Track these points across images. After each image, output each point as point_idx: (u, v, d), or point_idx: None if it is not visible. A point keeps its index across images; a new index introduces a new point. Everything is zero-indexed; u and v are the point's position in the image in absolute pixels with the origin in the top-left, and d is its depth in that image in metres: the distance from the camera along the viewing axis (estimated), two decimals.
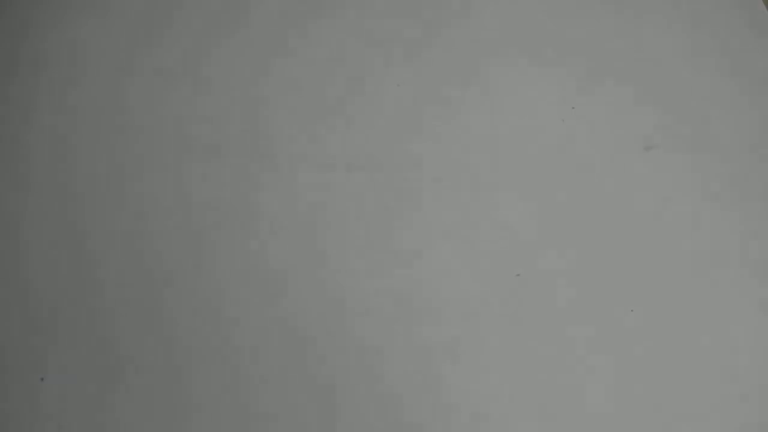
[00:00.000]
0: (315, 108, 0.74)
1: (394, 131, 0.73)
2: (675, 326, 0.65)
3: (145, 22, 0.78)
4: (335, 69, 0.76)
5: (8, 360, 0.63)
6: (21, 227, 0.68)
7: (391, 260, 0.67)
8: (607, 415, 0.62)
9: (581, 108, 0.75)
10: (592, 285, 0.67)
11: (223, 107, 0.74)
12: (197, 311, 0.65)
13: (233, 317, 0.65)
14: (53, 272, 0.66)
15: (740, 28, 0.80)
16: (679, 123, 0.74)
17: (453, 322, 0.65)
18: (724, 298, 0.67)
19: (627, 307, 0.66)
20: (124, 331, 0.64)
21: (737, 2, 0.81)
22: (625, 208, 0.70)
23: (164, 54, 0.76)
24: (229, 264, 0.67)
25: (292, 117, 0.74)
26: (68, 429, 0.61)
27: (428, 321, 0.65)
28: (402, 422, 0.62)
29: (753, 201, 0.71)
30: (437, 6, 0.80)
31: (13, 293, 0.65)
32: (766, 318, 0.66)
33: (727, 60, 0.78)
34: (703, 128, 0.74)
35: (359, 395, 0.63)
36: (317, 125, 0.73)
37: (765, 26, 0.80)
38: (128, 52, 0.77)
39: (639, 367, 0.64)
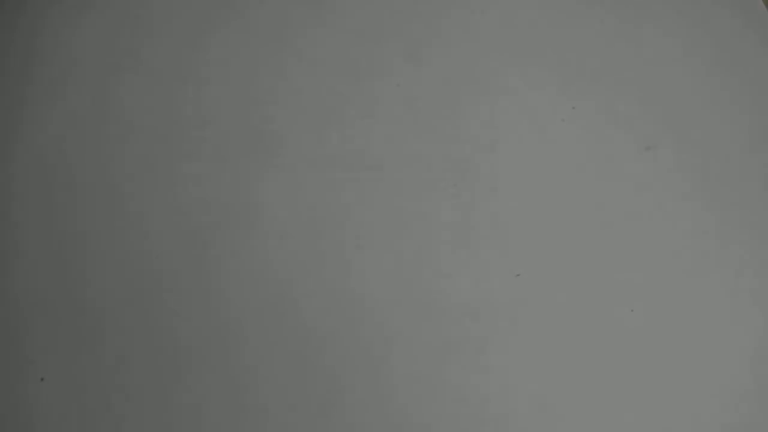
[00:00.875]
0: (314, 108, 0.74)
1: (393, 131, 0.73)
2: (675, 326, 0.65)
3: (143, 20, 0.78)
4: (335, 69, 0.76)
5: (8, 360, 0.63)
6: (18, 227, 0.68)
7: (391, 260, 0.67)
8: (607, 415, 0.62)
9: (581, 108, 0.75)
10: (592, 285, 0.67)
11: (223, 107, 0.74)
12: (198, 312, 0.65)
13: (234, 317, 0.65)
14: (53, 272, 0.66)
15: (740, 28, 0.80)
16: (679, 123, 0.74)
17: (453, 322, 0.65)
18: (724, 297, 0.67)
19: (627, 307, 0.66)
20: (125, 331, 0.64)
21: (737, 2, 0.81)
22: (625, 207, 0.70)
23: (163, 53, 0.76)
24: (229, 264, 0.67)
25: (291, 117, 0.74)
26: (68, 429, 0.61)
27: (428, 321, 0.65)
28: (401, 422, 0.62)
29: (753, 201, 0.71)
30: (437, 6, 0.80)
31: (13, 293, 0.65)
32: (766, 318, 0.66)
33: (727, 60, 0.78)
34: (702, 128, 0.74)
35: (359, 395, 0.63)
36: (316, 125, 0.73)
37: (765, 26, 0.80)
38: (128, 50, 0.76)
39: (639, 367, 0.64)
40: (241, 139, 0.72)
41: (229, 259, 0.67)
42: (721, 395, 0.63)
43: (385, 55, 0.77)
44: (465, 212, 0.70)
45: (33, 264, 0.66)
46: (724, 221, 0.70)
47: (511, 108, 0.75)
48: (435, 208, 0.70)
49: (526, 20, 0.80)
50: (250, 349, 0.64)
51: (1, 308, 0.65)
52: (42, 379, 0.62)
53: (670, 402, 0.63)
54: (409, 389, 0.63)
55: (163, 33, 0.78)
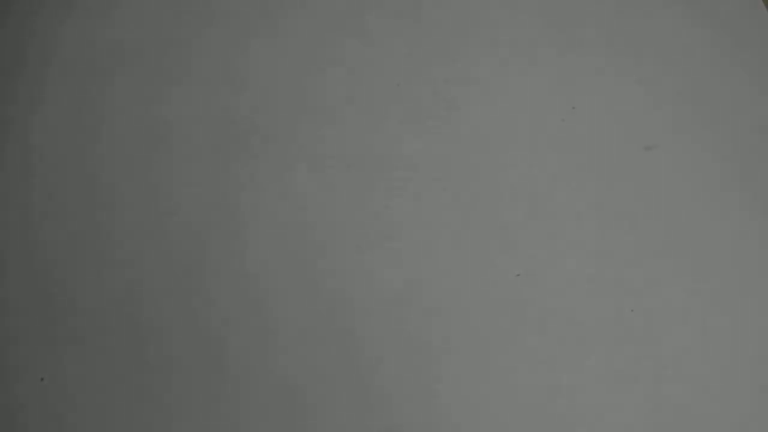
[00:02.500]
0: (314, 107, 0.74)
1: (393, 131, 0.73)
2: (675, 326, 0.65)
3: (146, 21, 0.78)
4: (335, 69, 0.76)
5: (8, 360, 0.63)
6: (23, 226, 0.68)
7: (390, 260, 0.67)
8: (607, 416, 0.62)
9: (581, 108, 0.75)
10: (591, 285, 0.67)
11: (221, 107, 0.74)
12: (192, 312, 0.65)
13: (227, 317, 0.65)
14: (54, 271, 0.66)
15: (740, 28, 0.80)
16: (679, 123, 0.74)
17: (453, 322, 0.65)
18: (724, 297, 0.67)
19: (627, 307, 0.66)
20: (124, 331, 0.64)
21: (737, 2, 0.81)
22: (625, 208, 0.70)
23: (166, 53, 0.76)
24: (227, 264, 0.67)
25: (291, 117, 0.74)
26: (68, 429, 0.61)
27: (427, 321, 0.65)
28: (401, 422, 0.62)
29: (753, 201, 0.71)
30: (437, 5, 0.80)
31: (14, 293, 0.65)
32: (765, 318, 0.66)
33: (726, 60, 0.78)
34: (703, 128, 0.74)
35: (358, 395, 0.63)
36: (316, 124, 0.73)
37: (765, 26, 0.80)
38: (128, 50, 0.76)
39: (639, 367, 0.64)
40: (239, 139, 0.72)
41: (227, 260, 0.67)
42: (721, 395, 0.63)
43: (384, 54, 0.77)
44: (465, 212, 0.70)
45: (32, 264, 0.66)
46: (724, 221, 0.70)
47: (511, 108, 0.75)
48: (435, 208, 0.70)
49: (525, 20, 0.80)
50: (250, 349, 0.64)
51: (1, 308, 0.65)
52: (42, 379, 0.62)
53: (670, 402, 0.63)
54: (408, 390, 0.63)
55: (164, 33, 0.78)
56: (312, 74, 0.76)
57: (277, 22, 0.79)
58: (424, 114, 0.74)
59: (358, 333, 0.65)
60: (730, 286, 0.67)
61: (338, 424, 0.62)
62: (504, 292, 0.66)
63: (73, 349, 0.63)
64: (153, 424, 0.61)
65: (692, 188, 0.71)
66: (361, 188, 0.70)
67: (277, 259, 0.67)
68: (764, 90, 0.76)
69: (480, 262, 0.68)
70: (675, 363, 0.64)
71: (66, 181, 0.70)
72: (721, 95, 0.76)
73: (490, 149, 0.73)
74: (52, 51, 0.76)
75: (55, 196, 0.69)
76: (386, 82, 0.76)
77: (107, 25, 0.78)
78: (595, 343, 0.65)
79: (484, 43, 0.78)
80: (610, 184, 0.71)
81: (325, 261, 0.67)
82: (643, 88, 0.76)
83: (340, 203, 0.70)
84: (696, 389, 0.63)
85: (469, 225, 0.69)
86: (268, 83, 0.75)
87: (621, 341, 0.65)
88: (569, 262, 0.68)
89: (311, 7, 0.80)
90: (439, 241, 0.68)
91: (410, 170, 0.71)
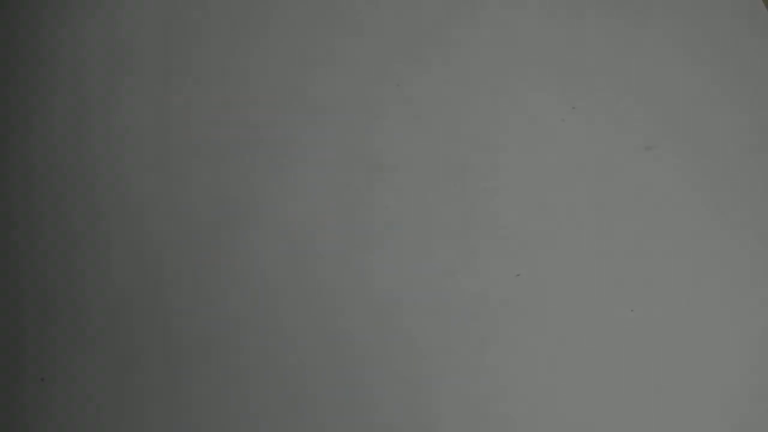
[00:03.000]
0: (314, 108, 0.74)
1: (394, 131, 0.73)
2: (675, 326, 0.65)
3: (147, 21, 0.78)
4: (335, 70, 0.76)
5: (8, 360, 0.63)
6: (21, 227, 0.68)
7: (391, 260, 0.67)
8: (607, 415, 0.62)
9: (581, 108, 0.75)
10: (592, 285, 0.67)
11: (224, 108, 0.74)
12: (200, 312, 0.65)
13: (237, 318, 0.65)
14: (54, 272, 0.66)
15: (740, 29, 0.80)
16: (680, 123, 0.74)
17: (453, 321, 0.65)
18: (724, 298, 0.67)
19: (627, 307, 0.66)
20: (125, 331, 0.64)
21: (737, 2, 0.81)
22: (625, 207, 0.70)
23: (168, 54, 0.76)
24: (231, 263, 0.67)
25: (292, 117, 0.74)
26: (68, 429, 0.61)
27: (428, 321, 0.65)
28: (401, 421, 0.62)
29: (752, 201, 0.71)
30: (438, 6, 0.80)
31: (13, 293, 0.65)
32: (765, 318, 0.66)
33: (727, 60, 0.78)
34: (702, 128, 0.74)
35: (360, 394, 0.63)
36: (317, 126, 0.73)
37: (765, 26, 0.80)
38: (131, 51, 0.76)
39: (639, 367, 0.64)
40: (241, 139, 0.72)
41: (231, 259, 0.67)
42: (721, 395, 0.63)
43: (385, 55, 0.77)
44: (465, 212, 0.70)
45: (32, 263, 0.66)
46: (723, 221, 0.70)
47: (511, 108, 0.75)
48: (435, 208, 0.70)
49: (526, 20, 0.80)
50: (250, 348, 0.64)
51: (1, 308, 0.65)
52: (42, 379, 0.62)
53: (670, 402, 0.63)
54: (408, 390, 0.63)
55: (170, 34, 0.78)
56: (312, 74, 0.76)
57: (277, 23, 0.79)
58: (424, 114, 0.74)
59: (357, 333, 0.65)
60: (730, 286, 0.67)
61: (337, 425, 0.62)
62: (504, 292, 0.66)
63: (73, 349, 0.63)
64: (153, 424, 0.61)
65: (692, 188, 0.71)
66: (361, 188, 0.70)
67: (277, 259, 0.67)
68: (764, 90, 0.76)
69: (480, 262, 0.68)
70: (675, 363, 0.64)
71: (66, 182, 0.70)
72: (721, 95, 0.76)
73: (490, 149, 0.73)
74: (53, 51, 0.76)
75: (56, 197, 0.69)
76: (386, 82, 0.76)
77: (108, 26, 0.78)
78: (595, 343, 0.65)
79: (484, 43, 0.78)
80: (610, 184, 0.71)
81: (324, 260, 0.67)
82: (643, 88, 0.76)
83: (340, 203, 0.70)
84: (696, 389, 0.63)
85: (469, 225, 0.69)
86: (268, 83, 0.75)
87: (621, 341, 0.65)
88: (569, 262, 0.68)
89: (311, 8, 0.80)
90: (438, 241, 0.68)
91: (410, 170, 0.71)
